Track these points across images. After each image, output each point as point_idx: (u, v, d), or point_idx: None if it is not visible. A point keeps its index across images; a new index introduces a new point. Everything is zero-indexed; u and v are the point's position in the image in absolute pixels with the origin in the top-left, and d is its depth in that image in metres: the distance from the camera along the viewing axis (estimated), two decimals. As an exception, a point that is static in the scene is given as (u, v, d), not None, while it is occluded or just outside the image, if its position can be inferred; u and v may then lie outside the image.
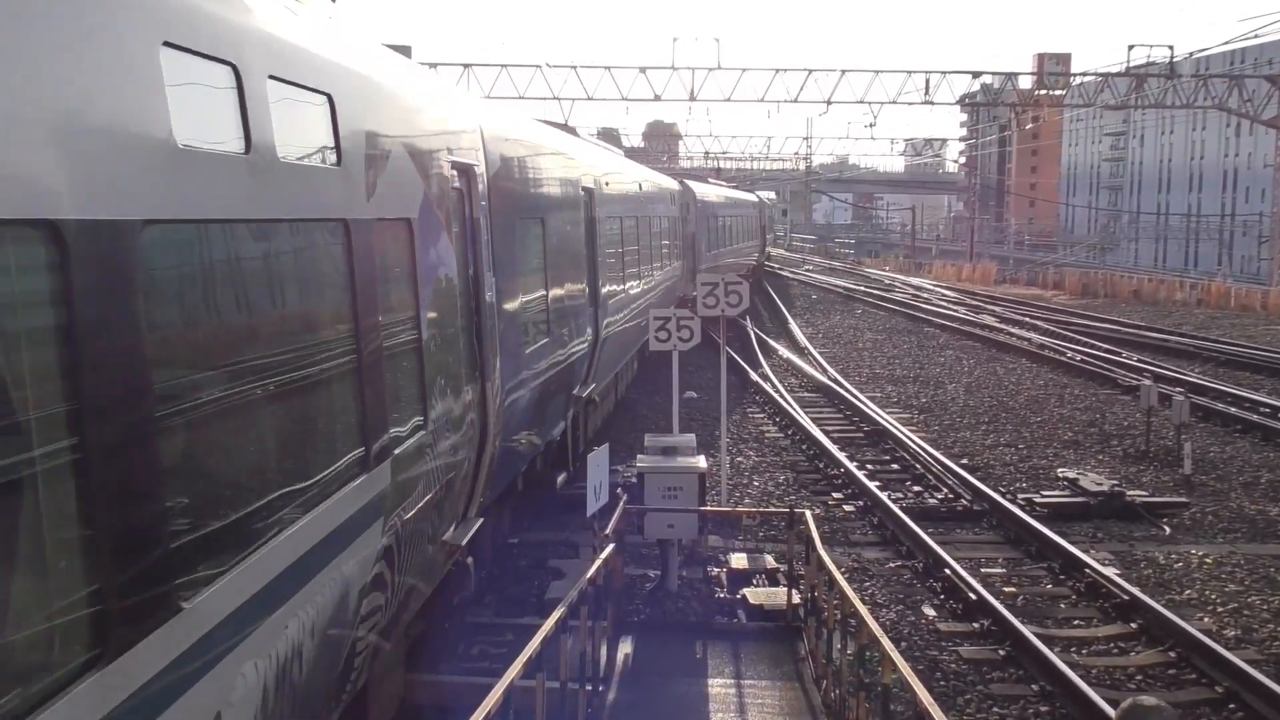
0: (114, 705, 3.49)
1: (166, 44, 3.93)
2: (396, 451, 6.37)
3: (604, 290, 16.55)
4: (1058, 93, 58.81)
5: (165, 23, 3.95)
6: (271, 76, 4.86)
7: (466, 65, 49.15)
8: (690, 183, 36.20)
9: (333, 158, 5.62)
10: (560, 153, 13.92)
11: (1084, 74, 58.08)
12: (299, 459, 5.11)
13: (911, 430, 20.85)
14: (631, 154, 65.84)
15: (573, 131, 18.71)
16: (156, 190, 3.80)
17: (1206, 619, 11.79)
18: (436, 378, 7.34)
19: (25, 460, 3.18)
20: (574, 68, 51.01)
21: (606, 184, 17.25)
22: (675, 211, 29.25)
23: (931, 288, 59.78)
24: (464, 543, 8.15)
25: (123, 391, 3.59)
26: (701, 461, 12.30)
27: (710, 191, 41.93)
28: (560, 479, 13.81)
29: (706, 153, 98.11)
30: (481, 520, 8.89)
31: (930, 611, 12.06)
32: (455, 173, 8.17)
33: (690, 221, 33.01)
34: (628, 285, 19.46)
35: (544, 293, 12.02)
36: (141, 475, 3.69)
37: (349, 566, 5.61)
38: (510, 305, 10.13)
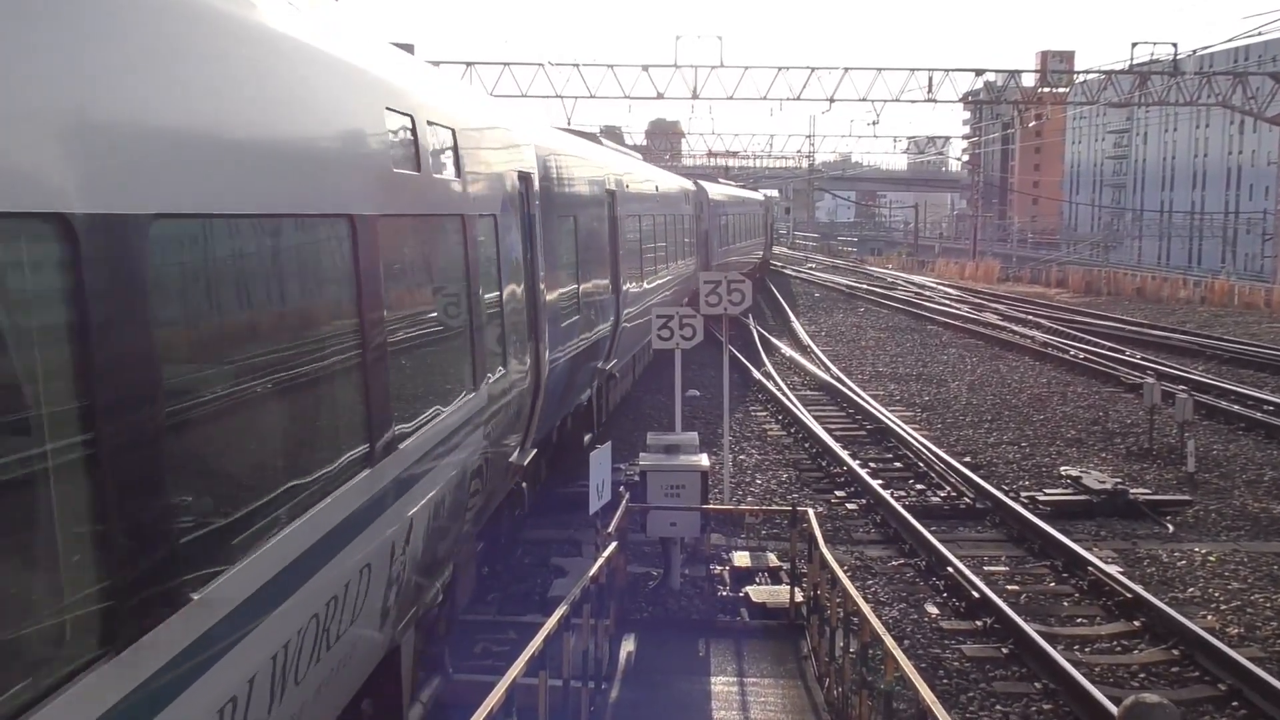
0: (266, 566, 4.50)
1: (388, 108, 6.38)
2: (490, 379, 8.56)
3: (624, 280, 18.59)
4: (1061, 90, 58.85)
5: (389, 94, 6.47)
6: (428, 121, 7.18)
7: (469, 64, 49.12)
8: (703, 183, 37.65)
9: (454, 171, 7.86)
10: (587, 159, 16.28)
11: (1087, 71, 58.07)
12: (446, 380, 7.55)
13: (914, 428, 20.84)
14: (635, 151, 66.01)
15: (597, 139, 20.74)
16: (378, 198, 6.01)
17: (1210, 617, 11.79)
18: (510, 334, 9.54)
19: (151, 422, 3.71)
20: (577, 66, 50.99)
21: (627, 186, 19.37)
22: (690, 210, 31.41)
23: (934, 286, 59.75)
24: (525, 464, 10.45)
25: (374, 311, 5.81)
26: (704, 460, 12.31)
27: (721, 191, 43.43)
28: (587, 438, 16.22)
29: (710, 151, 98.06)
30: (535, 451, 11.17)
31: (933, 609, 12.06)
32: (519, 179, 10.26)
33: (704, 220, 34.53)
34: (645, 276, 21.53)
35: (575, 278, 14.43)
36: (296, 401, 5.07)
37: (470, 452, 7.95)
38: (552, 286, 12.28)
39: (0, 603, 3.10)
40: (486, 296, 8.59)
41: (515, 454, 10.16)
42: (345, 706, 5.92)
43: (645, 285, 21.37)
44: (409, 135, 6.77)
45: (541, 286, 11.23)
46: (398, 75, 6.86)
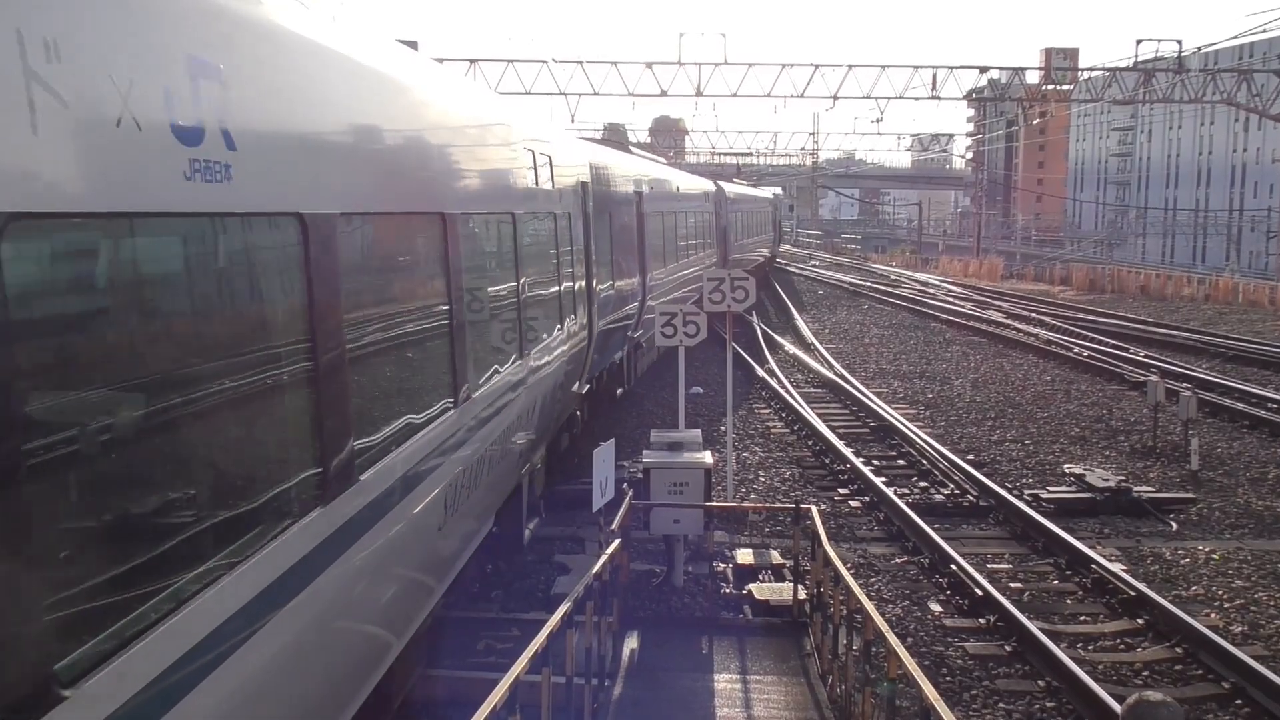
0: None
1: (527, 149, 10.53)
2: (569, 325, 12.83)
3: (650, 266, 22.37)
4: (1065, 88, 58.71)
5: (534, 141, 11.02)
6: (541, 153, 11.32)
7: (472, 60, 49.12)
8: (721, 184, 41.08)
9: (550, 185, 11.87)
10: (618, 164, 19.93)
11: (1091, 69, 58.01)
12: (552, 321, 11.82)
13: (918, 426, 20.83)
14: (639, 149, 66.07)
15: (625, 147, 25.47)
16: (528, 203, 10.48)
17: (1213, 615, 11.78)
18: (579, 299, 13.77)
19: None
20: (580, 63, 50.93)
21: (649, 187, 22.87)
22: (710, 208, 34.93)
23: (938, 283, 59.71)
24: (583, 392, 15.09)
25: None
26: (707, 457, 12.30)
27: (736, 190, 46.98)
28: (619, 391, 20.92)
29: (713, 148, 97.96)
30: (590, 385, 16.00)
31: (936, 607, 12.06)
32: (580, 185, 14.38)
33: (723, 216, 37.72)
34: (667, 264, 25.02)
35: (611, 264, 17.96)
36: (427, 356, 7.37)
37: (564, 364, 12.50)
38: (597, 267, 15.83)
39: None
40: (566, 271, 12.81)
41: (577, 385, 14.42)
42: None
43: (667, 271, 24.93)
44: (536, 162, 11.04)
45: (593, 268, 15.25)
46: (528, 124, 11.16)
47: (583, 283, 14.24)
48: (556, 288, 12.09)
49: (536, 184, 10.85)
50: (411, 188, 6.85)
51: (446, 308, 7.42)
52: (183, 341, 4.12)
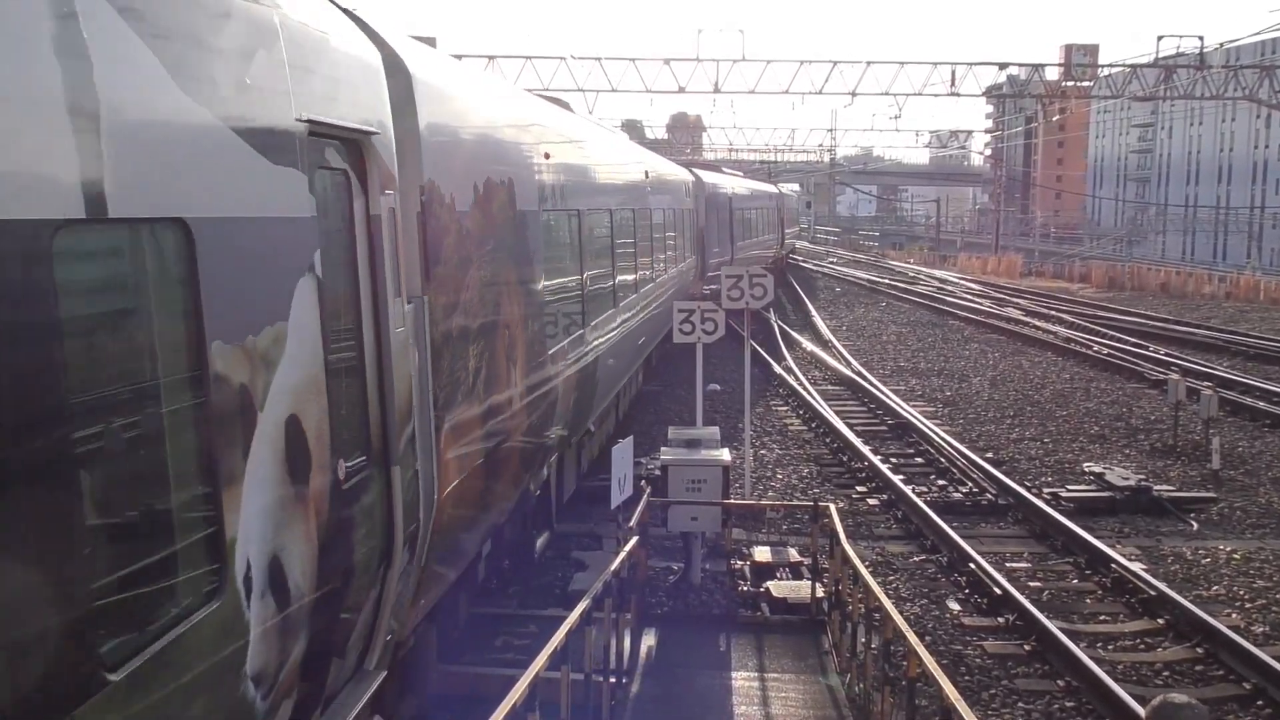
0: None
1: (646, 172, 19.98)
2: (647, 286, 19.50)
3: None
4: (1085, 84, 58.33)
5: (681, 173, 28.39)
6: (693, 179, 29.00)
7: (491, 57, 49.17)
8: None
9: (687, 199, 26.06)
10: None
11: (1112, 65, 57.66)
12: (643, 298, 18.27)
13: (936, 424, 20.77)
14: (655, 146, 65.69)
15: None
16: (685, 205, 26.40)
17: (1234, 615, 11.71)
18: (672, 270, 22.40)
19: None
20: (599, 59, 50.91)
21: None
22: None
23: (956, 280, 59.47)
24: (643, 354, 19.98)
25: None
26: (725, 454, 12.29)
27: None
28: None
29: (730, 145, 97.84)
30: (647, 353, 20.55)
31: (955, 606, 12.02)
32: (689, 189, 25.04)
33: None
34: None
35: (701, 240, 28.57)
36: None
37: (636, 345, 17.74)
38: (707, 242, 28.86)
39: None
40: (672, 254, 22.24)
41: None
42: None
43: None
44: (683, 181, 22.28)
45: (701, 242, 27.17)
46: (666, 163, 22.25)
47: (685, 245, 26.29)
48: (663, 267, 21.37)
49: (688, 195, 23.50)
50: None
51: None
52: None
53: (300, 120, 4.95)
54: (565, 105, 15.01)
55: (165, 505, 4.04)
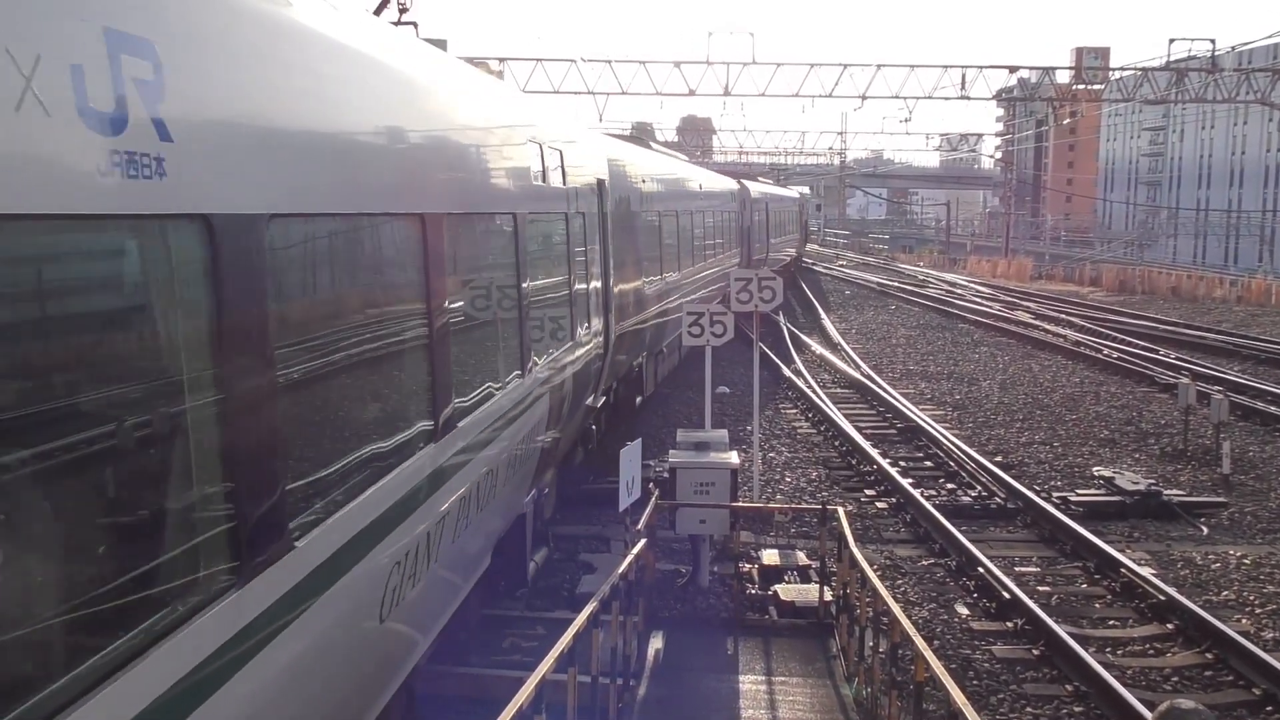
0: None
1: (740, 195, 35.90)
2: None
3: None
4: (1096, 87, 58.17)
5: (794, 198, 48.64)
6: (738, 186, 36.99)
7: (502, 59, 49.21)
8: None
9: (733, 209, 33.98)
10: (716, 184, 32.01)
11: (1123, 68, 57.47)
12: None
13: (945, 427, 20.73)
14: (665, 147, 65.80)
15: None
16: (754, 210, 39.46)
17: (1244, 620, 11.66)
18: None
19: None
20: (609, 62, 50.94)
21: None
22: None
23: (966, 284, 59.37)
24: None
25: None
26: (734, 457, 12.28)
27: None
28: None
29: (740, 147, 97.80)
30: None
31: (963, 610, 11.99)
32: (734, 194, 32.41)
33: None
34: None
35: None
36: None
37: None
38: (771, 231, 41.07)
39: None
40: (720, 244, 30.03)
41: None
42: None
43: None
44: (730, 190, 31.20)
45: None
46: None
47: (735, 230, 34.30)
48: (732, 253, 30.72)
49: (791, 220, 32.56)
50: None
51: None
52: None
53: (599, 179, 13.25)
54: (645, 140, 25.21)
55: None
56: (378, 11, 10.16)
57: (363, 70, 5.69)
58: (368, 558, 5.17)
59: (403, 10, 10.57)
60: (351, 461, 5.18)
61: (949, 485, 16.98)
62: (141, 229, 3.64)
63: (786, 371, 26.66)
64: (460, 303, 7.06)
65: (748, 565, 12.82)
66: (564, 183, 10.63)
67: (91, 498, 3.57)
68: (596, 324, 12.72)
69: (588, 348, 12.01)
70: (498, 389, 7.86)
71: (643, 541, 10.18)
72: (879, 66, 51.64)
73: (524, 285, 8.77)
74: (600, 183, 13.12)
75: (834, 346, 32.78)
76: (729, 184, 35.60)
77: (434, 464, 6.18)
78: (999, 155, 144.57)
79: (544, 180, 9.62)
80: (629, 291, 16.05)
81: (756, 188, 43.63)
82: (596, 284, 12.73)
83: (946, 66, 52.19)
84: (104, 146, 3.25)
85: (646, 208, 18.23)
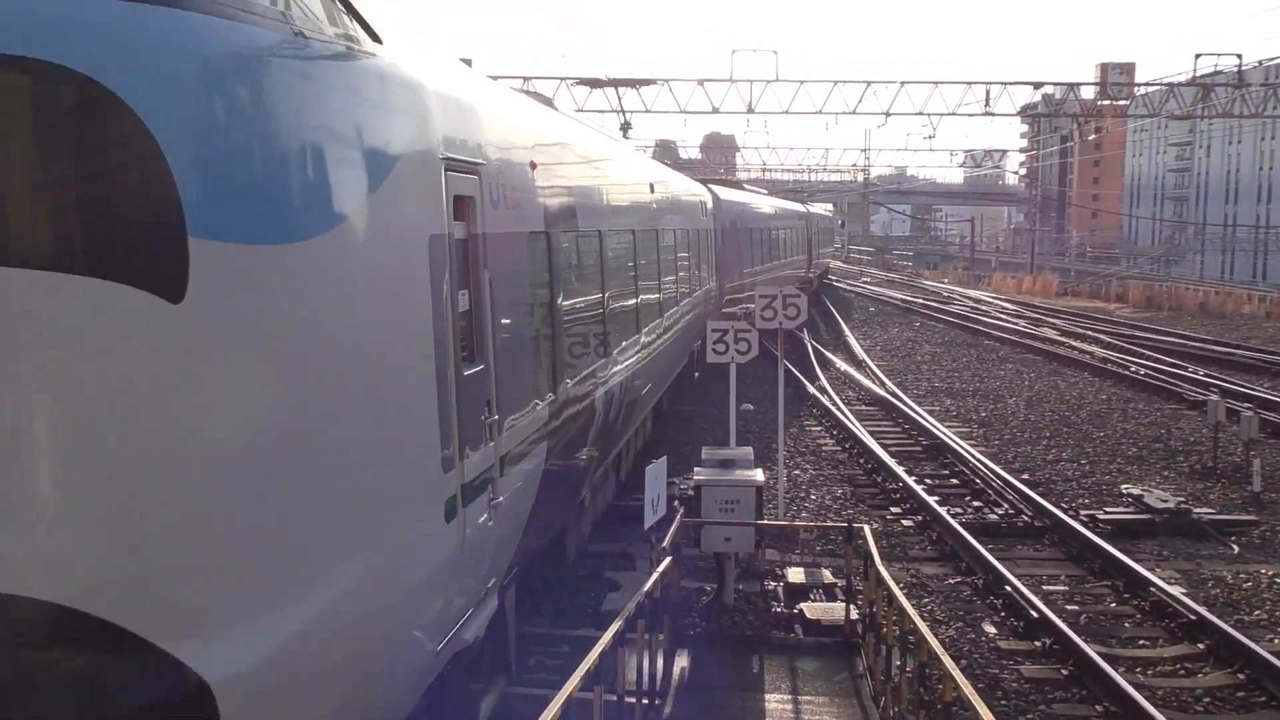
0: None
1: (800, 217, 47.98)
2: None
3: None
4: (1121, 103, 57.90)
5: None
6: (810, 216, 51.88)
7: (526, 78, 49.49)
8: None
9: (802, 224, 48.29)
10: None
11: (1149, 83, 57.24)
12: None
13: (971, 444, 20.62)
14: (688, 166, 65.83)
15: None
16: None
17: (1277, 640, 11.52)
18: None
19: None
20: (635, 84, 51.14)
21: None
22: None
23: (991, 300, 59.12)
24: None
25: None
26: (759, 475, 12.25)
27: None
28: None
29: (764, 164, 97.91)
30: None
31: (990, 629, 11.91)
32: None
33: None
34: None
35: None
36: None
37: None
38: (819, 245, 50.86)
39: None
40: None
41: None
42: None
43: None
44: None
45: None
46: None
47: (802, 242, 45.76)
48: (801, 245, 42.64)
49: (807, 231, 43.22)
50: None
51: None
52: None
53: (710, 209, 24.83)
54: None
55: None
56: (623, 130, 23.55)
57: (627, 168, 13.61)
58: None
59: (626, 128, 29.19)
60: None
61: (975, 503, 16.88)
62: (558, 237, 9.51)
63: (811, 388, 26.60)
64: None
65: (773, 583, 12.78)
66: (704, 213, 20.41)
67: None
68: (711, 284, 23.82)
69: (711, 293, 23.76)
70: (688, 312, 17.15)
71: (668, 559, 10.16)
72: (903, 83, 51.58)
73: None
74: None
75: (858, 363, 32.69)
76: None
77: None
78: (1023, 171, 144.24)
79: (705, 214, 19.86)
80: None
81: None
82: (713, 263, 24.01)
83: (970, 83, 52.06)
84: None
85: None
